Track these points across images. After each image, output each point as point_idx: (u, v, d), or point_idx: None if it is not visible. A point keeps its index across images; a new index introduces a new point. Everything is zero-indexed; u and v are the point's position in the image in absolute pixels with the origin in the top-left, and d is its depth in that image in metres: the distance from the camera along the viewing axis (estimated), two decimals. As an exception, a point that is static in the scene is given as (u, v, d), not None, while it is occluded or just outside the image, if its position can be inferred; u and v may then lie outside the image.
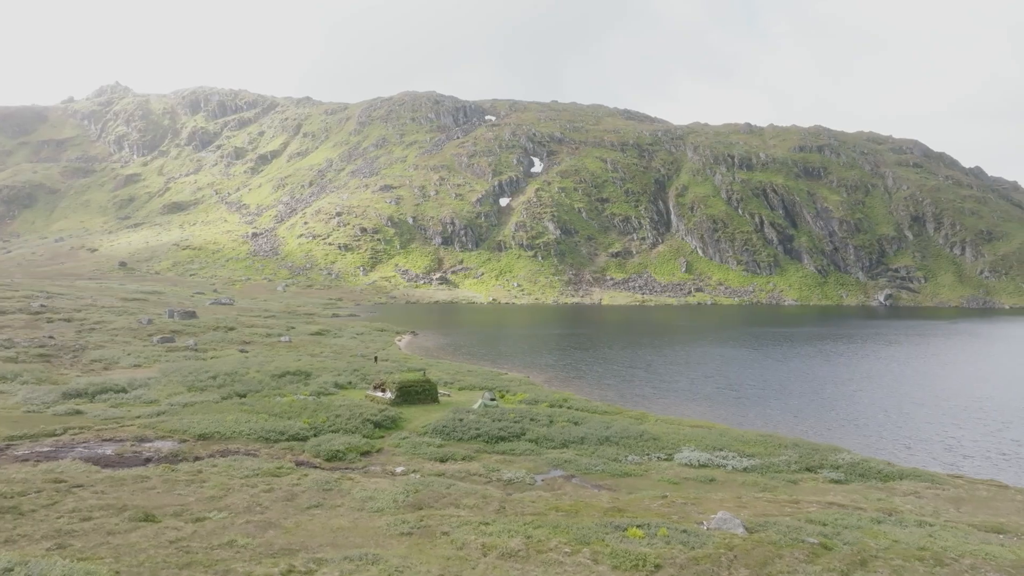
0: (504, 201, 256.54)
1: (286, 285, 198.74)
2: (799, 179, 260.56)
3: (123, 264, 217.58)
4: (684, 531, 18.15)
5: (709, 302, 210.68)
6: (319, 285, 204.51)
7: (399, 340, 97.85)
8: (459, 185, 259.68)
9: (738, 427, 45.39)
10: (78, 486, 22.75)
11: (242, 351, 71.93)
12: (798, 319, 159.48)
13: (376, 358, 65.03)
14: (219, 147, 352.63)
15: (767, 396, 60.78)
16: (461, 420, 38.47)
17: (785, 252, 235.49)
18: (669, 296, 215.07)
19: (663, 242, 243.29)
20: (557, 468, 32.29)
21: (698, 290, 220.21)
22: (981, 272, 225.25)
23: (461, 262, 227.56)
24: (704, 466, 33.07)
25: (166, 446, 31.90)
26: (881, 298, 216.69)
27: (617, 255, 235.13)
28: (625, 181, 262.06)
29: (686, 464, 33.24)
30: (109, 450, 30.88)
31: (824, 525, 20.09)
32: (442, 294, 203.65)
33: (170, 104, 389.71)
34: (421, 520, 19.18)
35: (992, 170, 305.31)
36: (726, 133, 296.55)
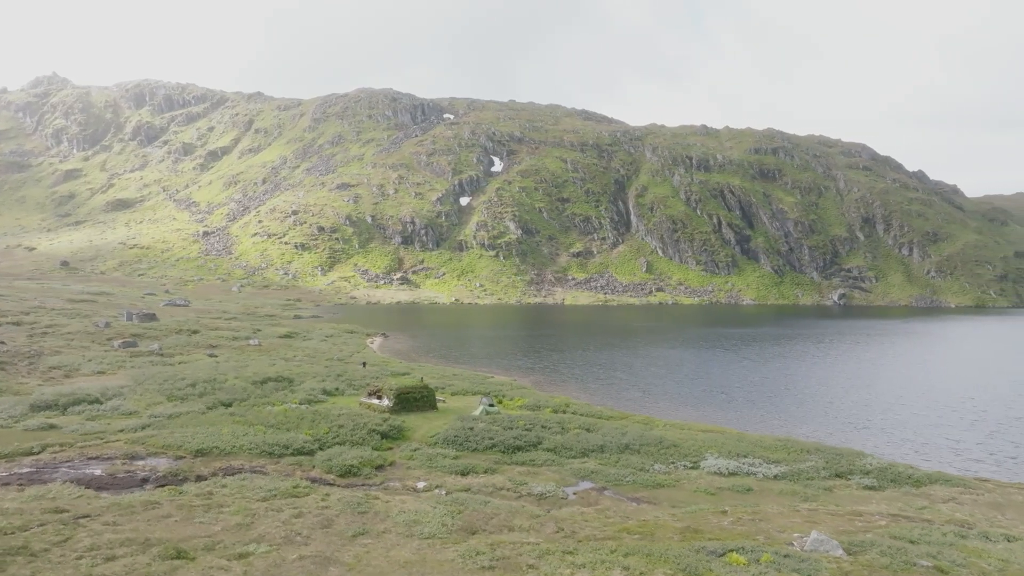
0: (464, 200, 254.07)
1: (241, 285, 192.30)
2: (755, 180, 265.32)
3: (65, 264, 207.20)
4: (786, 556, 16.74)
5: (670, 302, 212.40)
6: (276, 285, 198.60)
7: (371, 342, 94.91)
8: (419, 184, 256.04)
9: (743, 430, 44.63)
10: (84, 516, 20.09)
11: (211, 355, 68.27)
12: (759, 319, 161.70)
13: (364, 363, 62.42)
14: (166, 142, 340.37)
15: (757, 398, 60.40)
16: (471, 429, 36.53)
17: (742, 252, 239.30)
18: (631, 296, 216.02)
19: (623, 242, 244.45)
20: (585, 479, 30.70)
21: (659, 290, 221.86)
22: (928, 272, 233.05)
23: (422, 262, 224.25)
24: (734, 474, 31.93)
25: (161, 464, 29.10)
26: (835, 297, 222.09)
27: (578, 255, 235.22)
28: (585, 181, 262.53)
29: (715, 473, 32.04)
30: (98, 470, 27.95)
31: (913, 543, 18.97)
32: (404, 295, 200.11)
33: (113, 97, 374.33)
34: (494, 550, 17.30)
35: (930, 174, 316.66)
36: (683, 135, 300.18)
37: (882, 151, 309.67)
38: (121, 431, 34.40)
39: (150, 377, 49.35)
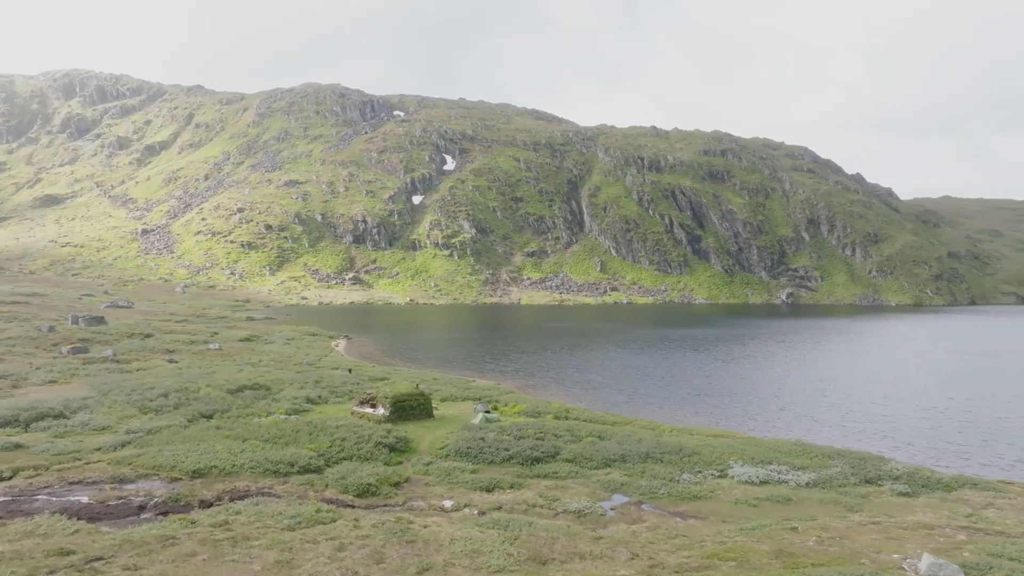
0: (417, 199, 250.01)
1: (185, 286, 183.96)
2: (705, 181, 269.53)
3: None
4: (915, 585, 15.32)
5: (625, 301, 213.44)
6: (222, 286, 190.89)
7: (335, 345, 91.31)
8: (370, 182, 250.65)
9: (748, 434, 43.78)
10: (97, 559, 17.24)
11: (170, 361, 63.99)
12: (715, 319, 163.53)
13: (351, 370, 59.28)
14: (99, 136, 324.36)
15: (748, 400, 59.90)
16: (482, 439, 34.38)
17: (694, 252, 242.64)
18: (586, 295, 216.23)
19: (577, 242, 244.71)
20: (616, 492, 29.01)
21: (613, 289, 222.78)
22: (870, 272, 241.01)
23: (374, 261, 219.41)
24: (765, 482, 30.73)
25: (156, 487, 26.03)
26: (783, 296, 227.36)
27: (533, 254, 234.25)
28: (538, 180, 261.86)
29: (747, 482, 30.77)
30: (84, 497, 24.75)
31: (1020, 562, 17.87)
32: (357, 295, 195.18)
33: (39, 87, 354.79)
34: (593, 587, 15.33)
35: (866, 177, 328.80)
36: (634, 136, 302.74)
37: (822, 155, 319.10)
38: (99, 450, 30.98)
39: (114, 387, 45.36)
